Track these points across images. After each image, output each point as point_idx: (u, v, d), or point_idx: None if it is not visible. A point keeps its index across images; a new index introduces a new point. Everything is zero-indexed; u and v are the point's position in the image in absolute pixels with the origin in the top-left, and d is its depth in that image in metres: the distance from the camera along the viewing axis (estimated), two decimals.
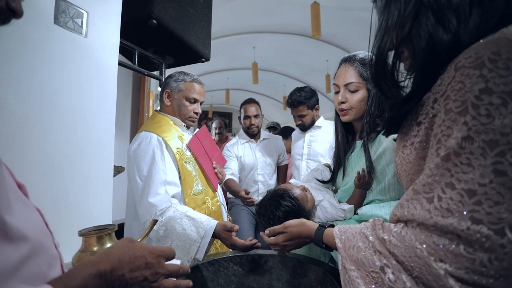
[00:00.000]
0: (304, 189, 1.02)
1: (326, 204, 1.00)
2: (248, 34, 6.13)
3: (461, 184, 0.42)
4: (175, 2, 1.37)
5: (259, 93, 9.56)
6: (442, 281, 0.44)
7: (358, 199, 1.04)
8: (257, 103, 2.31)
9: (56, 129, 0.71)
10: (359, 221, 0.95)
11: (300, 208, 0.91)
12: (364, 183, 1.02)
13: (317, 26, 4.70)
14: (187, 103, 1.37)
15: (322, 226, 0.80)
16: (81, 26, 0.78)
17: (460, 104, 0.44)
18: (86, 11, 0.80)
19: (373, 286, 0.55)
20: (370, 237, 0.58)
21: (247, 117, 2.25)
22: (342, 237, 0.68)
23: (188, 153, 1.32)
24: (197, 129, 1.52)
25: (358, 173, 1.04)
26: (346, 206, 1.03)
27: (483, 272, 0.40)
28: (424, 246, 0.47)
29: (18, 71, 0.64)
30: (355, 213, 1.03)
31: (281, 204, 0.90)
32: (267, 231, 0.86)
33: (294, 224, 0.84)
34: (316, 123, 2.05)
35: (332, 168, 1.21)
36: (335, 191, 1.19)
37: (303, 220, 0.86)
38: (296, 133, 2.23)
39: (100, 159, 0.83)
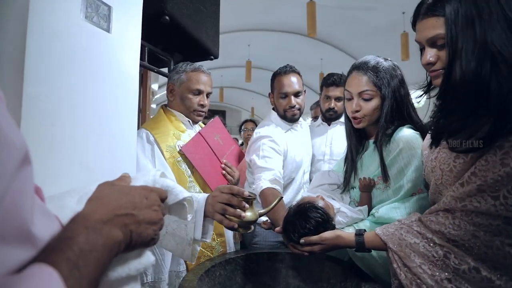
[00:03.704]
0: (322, 199, 1.04)
1: (345, 209, 1.03)
2: (243, 32, 6.11)
3: None
4: None
5: (254, 91, 9.55)
6: (500, 249, 0.59)
7: (366, 202, 1.08)
8: (298, 72, 1.52)
9: (86, 127, 0.69)
10: (376, 223, 0.99)
11: (328, 217, 0.93)
12: (367, 186, 1.07)
13: (312, 25, 4.73)
14: (190, 95, 1.25)
15: (359, 234, 0.84)
16: (106, 21, 0.76)
17: None
18: (110, 6, 0.78)
19: (437, 273, 0.66)
20: (428, 234, 0.70)
21: (284, 95, 1.46)
22: (393, 238, 0.75)
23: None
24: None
25: (360, 180, 1.07)
26: (361, 207, 1.06)
27: None
28: (481, 227, 0.62)
29: (49, 68, 0.62)
30: (369, 214, 1.06)
31: (310, 217, 0.91)
32: (302, 240, 0.89)
33: (330, 237, 0.87)
34: (341, 119, 1.69)
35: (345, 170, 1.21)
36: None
37: (337, 232, 0.90)
38: (312, 128, 1.83)
39: (124, 157, 0.82)
